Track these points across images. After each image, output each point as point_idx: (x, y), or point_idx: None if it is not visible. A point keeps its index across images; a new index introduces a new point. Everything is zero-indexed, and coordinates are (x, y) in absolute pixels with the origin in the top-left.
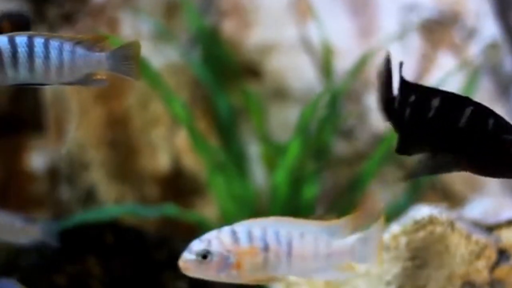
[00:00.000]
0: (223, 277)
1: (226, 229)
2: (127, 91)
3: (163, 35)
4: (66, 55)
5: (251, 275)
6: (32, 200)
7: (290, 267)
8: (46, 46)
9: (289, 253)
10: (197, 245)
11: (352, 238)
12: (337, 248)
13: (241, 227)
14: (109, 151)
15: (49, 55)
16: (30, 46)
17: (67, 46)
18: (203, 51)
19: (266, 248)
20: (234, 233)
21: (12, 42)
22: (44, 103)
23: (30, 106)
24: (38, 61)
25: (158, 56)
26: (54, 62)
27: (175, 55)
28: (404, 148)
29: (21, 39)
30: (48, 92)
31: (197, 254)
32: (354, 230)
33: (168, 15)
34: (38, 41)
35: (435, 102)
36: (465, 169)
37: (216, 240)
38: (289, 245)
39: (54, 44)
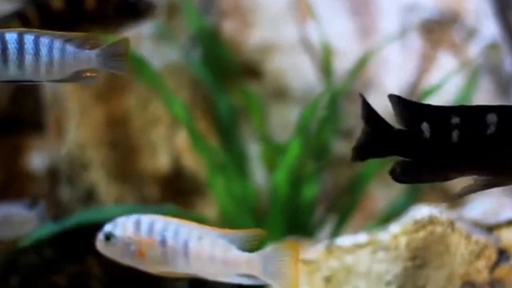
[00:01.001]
0: (129, 262)
1: (133, 217)
2: (127, 91)
3: (163, 35)
4: (56, 52)
5: (155, 266)
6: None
7: (189, 266)
8: (36, 43)
9: (186, 252)
10: (106, 226)
11: (258, 252)
12: (234, 257)
13: (146, 218)
14: (109, 151)
15: (39, 52)
16: (20, 42)
17: (57, 43)
18: (203, 51)
19: (163, 242)
20: (138, 222)
21: (2, 38)
22: (44, 103)
23: (30, 106)
24: (28, 57)
25: (158, 56)
26: (44, 59)
27: (175, 55)
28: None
29: (11, 35)
30: (48, 92)
31: (103, 235)
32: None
33: (168, 15)
34: (28, 38)
35: (492, 117)
36: None
37: (121, 225)
38: (186, 244)
39: (44, 41)
